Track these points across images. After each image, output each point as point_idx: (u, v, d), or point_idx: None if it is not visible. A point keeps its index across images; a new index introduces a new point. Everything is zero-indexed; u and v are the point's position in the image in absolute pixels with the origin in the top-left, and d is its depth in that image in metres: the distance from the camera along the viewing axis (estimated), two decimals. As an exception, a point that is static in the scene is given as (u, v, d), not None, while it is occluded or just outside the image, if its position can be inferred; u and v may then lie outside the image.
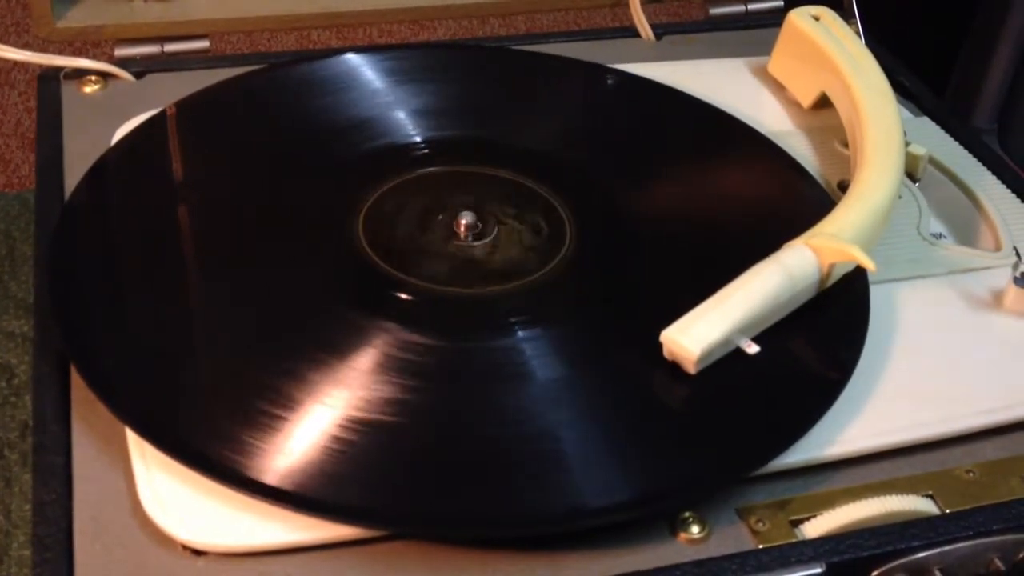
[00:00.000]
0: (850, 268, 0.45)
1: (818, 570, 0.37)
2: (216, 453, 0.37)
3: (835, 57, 0.55)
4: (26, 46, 0.57)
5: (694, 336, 0.41)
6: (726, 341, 0.41)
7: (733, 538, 0.38)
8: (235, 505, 0.37)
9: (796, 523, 0.39)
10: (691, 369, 0.41)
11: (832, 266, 0.44)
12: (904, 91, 0.61)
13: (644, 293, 0.46)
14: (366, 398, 0.40)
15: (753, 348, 0.42)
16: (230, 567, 0.36)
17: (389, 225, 0.48)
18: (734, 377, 0.42)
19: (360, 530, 0.37)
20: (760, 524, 0.38)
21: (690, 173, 0.53)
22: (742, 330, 0.42)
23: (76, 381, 0.41)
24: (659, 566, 0.36)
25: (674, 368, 0.41)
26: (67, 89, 0.57)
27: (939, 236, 0.51)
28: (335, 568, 0.36)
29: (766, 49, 0.61)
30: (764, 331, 0.43)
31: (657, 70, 0.59)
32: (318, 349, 0.41)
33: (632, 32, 0.66)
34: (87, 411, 0.40)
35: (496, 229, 0.48)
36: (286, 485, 0.36)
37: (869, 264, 0.43)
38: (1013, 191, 0.54)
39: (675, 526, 0.38)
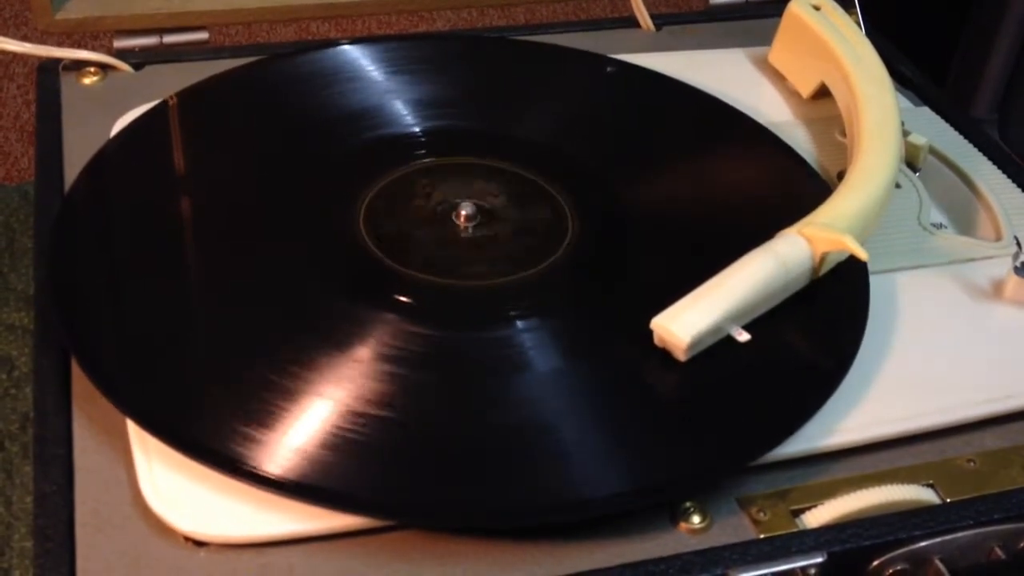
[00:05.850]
0: (843, 257, 0.45)
1: (819, 559, 0.37)
2: (218, 444, 0.37)
3: (834, 47, 0.55)
4: (25, 38, 0.57)
5: (684, 323, 0.41)
6: (717, 329, 0.41)
7: (734, 528, 0.38)
8: (236, 496, 0.37)
9: (797, 513, 0.39)
10: (681, 356, 0.41)
11: (825, 255, 0.44)
12: (904, 81, 0.61)
13: (645, 283, 0.46)
14: (367, 388, 0.40)
15: (744, 336, 0.42)
16: (231, 558, 0.36)
17: (390, 216, 0.48)
18: (735, 367, 0.42)
19: (362, 520, 0.37)
20: (761, 514, 0.38)
21: (690, 163, 0.53)
22: (733, 318, 0.42)
23: (76, 373, 0.41)
24: (661, 556, 0.36)
25: (675, 359, 0.41)
26: (66, 81, 0.57)
27: (939, 226, 0.51)
28: (337, 558, 0.36)
29: (766, 39, 0.60)
30: (764, 321, 0.43)
31: (657, 60, 0.59)
32: (319, 340, 0.41)
33: (632, 22, 0.65)
34: (88, 403, 0.40)
35: (496, 220, 0.48)
36: (288, 475, 0.36)
37: (862, 254, 0.43)
38: (1013, 181, 0.54)
39: (676, 516, 0.38)
